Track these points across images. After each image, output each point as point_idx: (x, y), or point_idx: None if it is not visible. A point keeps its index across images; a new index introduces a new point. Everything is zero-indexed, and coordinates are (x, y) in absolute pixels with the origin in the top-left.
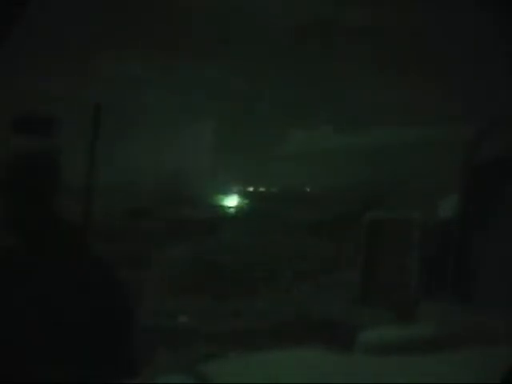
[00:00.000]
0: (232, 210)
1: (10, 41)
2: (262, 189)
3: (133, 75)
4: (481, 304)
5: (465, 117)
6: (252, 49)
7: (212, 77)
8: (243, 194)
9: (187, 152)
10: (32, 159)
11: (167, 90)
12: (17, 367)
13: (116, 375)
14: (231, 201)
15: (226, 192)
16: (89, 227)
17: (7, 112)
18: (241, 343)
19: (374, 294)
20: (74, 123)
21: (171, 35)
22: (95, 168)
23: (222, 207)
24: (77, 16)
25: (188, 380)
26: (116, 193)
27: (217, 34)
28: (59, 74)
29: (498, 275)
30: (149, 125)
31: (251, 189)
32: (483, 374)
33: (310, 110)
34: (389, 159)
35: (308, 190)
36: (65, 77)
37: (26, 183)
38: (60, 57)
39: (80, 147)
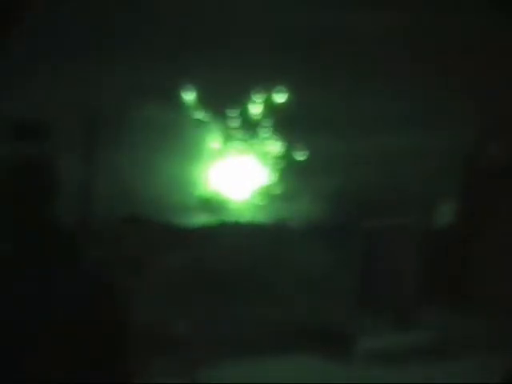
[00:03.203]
0: (231, 217)
1: (10, 47)
2: (258, 196)
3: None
4: (480, 308)
5: (465, 122)
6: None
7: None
8: (241, 202)
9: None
10: (30, 164)
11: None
12: (8, 369)
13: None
14: (230, 208)
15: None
16: (86, 233)
17: (6, 118)
18: (240, 350)
19: (372, 299)
20: (72, 131)
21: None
22: (93, 175)
23: (221, 214)
24: (76, 24)
25: None
26: (113, 200)
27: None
28: (58, 81)
29: (497, 279)
30: (146, 135)
31: (248, 195)
32: (482, 378)
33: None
34: (388, 164)
35: (306, 196)
36: (64, 85)
37: (24, 188)
38: (59, 65)
39: (78, 155)
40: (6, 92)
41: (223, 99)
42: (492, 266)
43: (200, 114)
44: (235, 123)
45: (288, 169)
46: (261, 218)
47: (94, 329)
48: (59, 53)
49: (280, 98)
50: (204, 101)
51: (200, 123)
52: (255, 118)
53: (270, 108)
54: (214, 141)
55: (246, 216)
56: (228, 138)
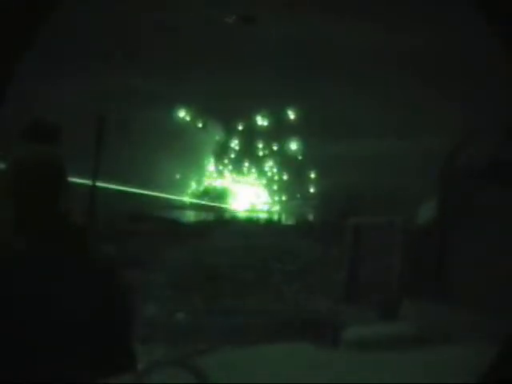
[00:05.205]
0: (226, 214)
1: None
2: (254, 194)
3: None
4: (459, 302)
5: (445, 130)
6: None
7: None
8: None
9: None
10: (41, 165)
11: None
12: (16, 366)
13: (114, 370)
14: (225, 206)
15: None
16: (93, 230)
17: (16, 120)
18: (234, 339)
19: (359, 293)
20: (79, 134)
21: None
22: (99, 176)
23: (216, 213)
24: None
25: (184, 372)
26: (118, 199)
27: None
28: (66, 86)
29: (474, 275)
30: (149, 136)
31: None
32: (465, 371)
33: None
34: (376, 168)
35: (298, 195)
36: (71, 89)
37: (35, 188)
38: (66, 69)
39: (85, 156)
40: (21, 96)
41: (221, 108)
42: (474, 263)
43: (200, 123)
44: (233, 128)
45: (282, 169)
46: (256, 215)
47: (103, 320)
48: (72, 61)
49: (277, 107)
50: (205, 111)
51: (200, 131)
52: (252, 122)
53: (268, 115)
54: (212, 145)
55: (243, 214)
56: (226, 142)
